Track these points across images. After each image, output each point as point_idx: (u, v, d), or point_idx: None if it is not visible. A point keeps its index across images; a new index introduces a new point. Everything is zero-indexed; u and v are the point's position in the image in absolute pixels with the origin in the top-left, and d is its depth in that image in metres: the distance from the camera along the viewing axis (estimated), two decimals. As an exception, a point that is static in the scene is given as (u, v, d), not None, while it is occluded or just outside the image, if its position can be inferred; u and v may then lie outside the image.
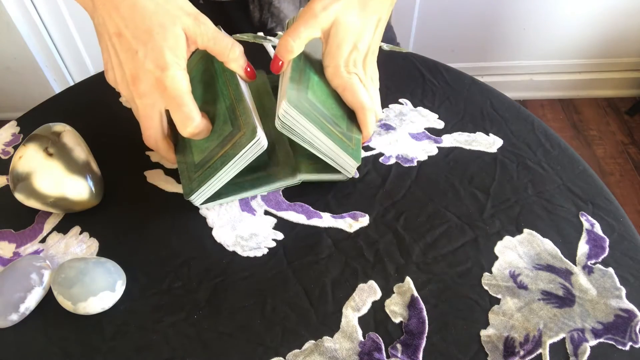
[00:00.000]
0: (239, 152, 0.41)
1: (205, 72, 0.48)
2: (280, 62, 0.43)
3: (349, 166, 0.45)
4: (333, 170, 0.47)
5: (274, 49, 0.63)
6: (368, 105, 0.45)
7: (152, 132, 0.43)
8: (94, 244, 0.45)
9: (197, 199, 0.45)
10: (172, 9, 0.39)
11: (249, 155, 0.41)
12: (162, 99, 0.40)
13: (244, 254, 0.44)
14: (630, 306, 0.40)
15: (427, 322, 0.39)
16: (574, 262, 0.43)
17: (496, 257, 0.43)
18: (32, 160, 0.43)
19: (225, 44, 0.41)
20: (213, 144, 0.43)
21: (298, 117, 0.41)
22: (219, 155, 0.42)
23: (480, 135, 0.53)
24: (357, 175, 0.50)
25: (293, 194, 0.48)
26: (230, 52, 0.42)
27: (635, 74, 1.61)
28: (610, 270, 0.42)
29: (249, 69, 0.44)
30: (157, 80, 0.39)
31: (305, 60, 0.46)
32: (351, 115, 0.47)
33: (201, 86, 0.48)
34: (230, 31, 0.66)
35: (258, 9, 0.68)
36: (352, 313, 0.40)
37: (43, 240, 0.46)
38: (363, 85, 0.45)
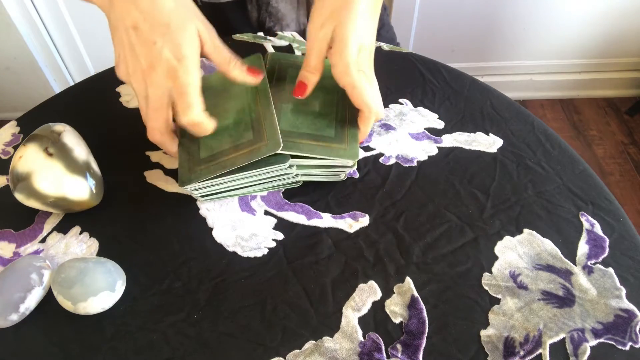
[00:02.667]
0: (256, 157, 0.43)
1: (236, 85, 0.49)
2: (305, 87, 0.45)
3: (346, 166, 0.46)
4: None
5: (274, 49, 0.63)
6: (374, 105, 0.45)
7: (159, 124, 0.43)
8: (94, 244, 0.45)
9: (192, 188, 0.45)
10: (189, 10, 0.41)
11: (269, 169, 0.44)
12: (172, 89, 0.41)
13: (244, 254, 0.44)
14: (630, 306, 0.40)
15: (427, 322, 0.39)
16: (574, 262, 0.42)
17: (496, 257, 0.43)
18: (32, 160, 0.43)
19: (225, 54, 0.44)
20: (225, 145, 0.45)
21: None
22: (230, 156, 0.44)
23: (480, 135, 0.53)
24: (357, 176, 0.50)
25: (293, 194, 0.48)
26: (230, 64, 0.44)
27: (635, 74, 1.60)
28: (610, 270, 0.42)
29: (250, 71, 0.45)
30: (171, 69, 0.40)
31: (274, 94, 0.47)
32: (342, 117, 0.47)
33: (229, 95, 0.48)
34: (229, 31, 0.67)
35: (256, 8, 0.68)
36: (352, 313, 0.40)
37: (43, 240, 0.46)
38: (369, 84, 0.45)
